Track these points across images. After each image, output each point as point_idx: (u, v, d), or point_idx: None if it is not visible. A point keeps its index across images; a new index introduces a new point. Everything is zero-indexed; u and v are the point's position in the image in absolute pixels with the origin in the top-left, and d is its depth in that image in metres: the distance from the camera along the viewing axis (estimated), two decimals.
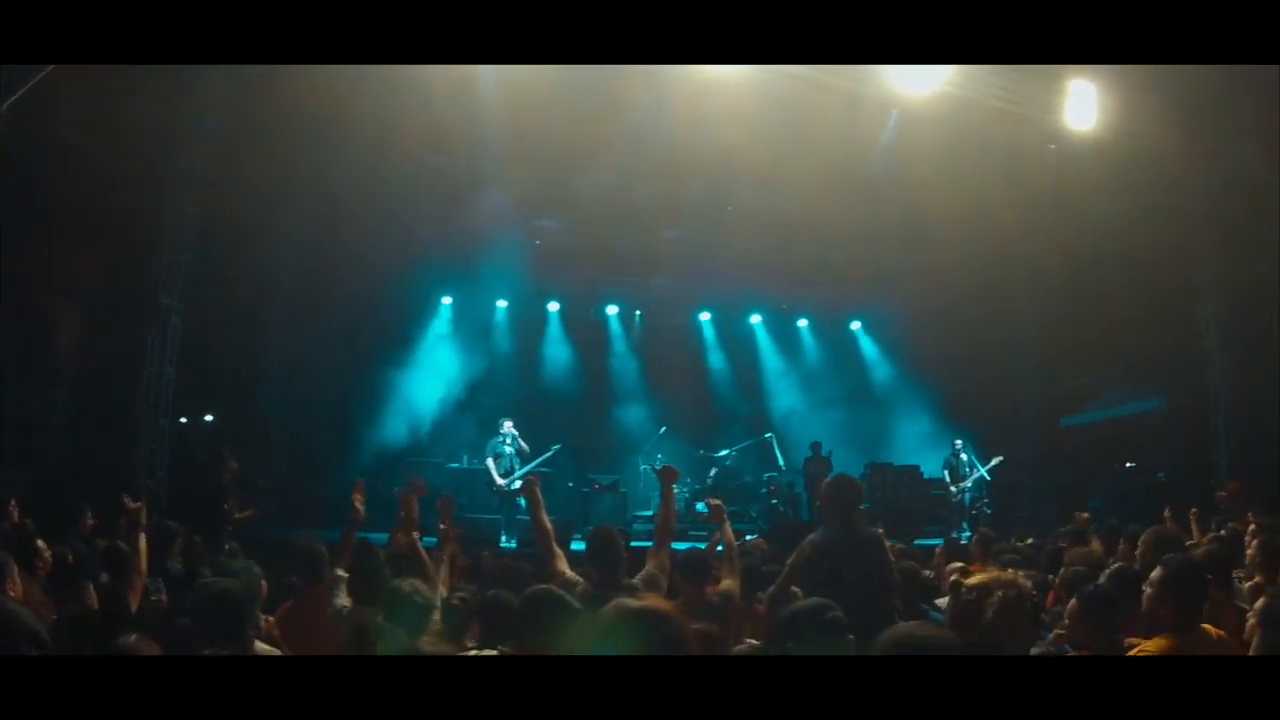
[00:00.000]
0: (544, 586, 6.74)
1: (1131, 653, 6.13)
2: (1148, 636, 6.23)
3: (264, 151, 20.07)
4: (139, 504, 9.51)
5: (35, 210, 16.61)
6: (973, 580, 5.74)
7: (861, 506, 9.56)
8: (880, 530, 9.39)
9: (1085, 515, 13.84)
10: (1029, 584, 5.48)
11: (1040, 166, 21.79)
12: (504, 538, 21.05)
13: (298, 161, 20.97)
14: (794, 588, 8.92)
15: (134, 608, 8.16)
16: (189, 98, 18.11)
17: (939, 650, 4.25)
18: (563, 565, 8.70)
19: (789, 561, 9.13)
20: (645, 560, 8.96)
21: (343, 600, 8.17)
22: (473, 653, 6.33)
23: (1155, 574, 6.47)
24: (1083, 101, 19.66)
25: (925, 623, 4.58)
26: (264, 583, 8.88)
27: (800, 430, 28.70)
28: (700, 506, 23.02)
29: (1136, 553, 8.91)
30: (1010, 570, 6.28)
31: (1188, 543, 10.07)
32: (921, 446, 28.28)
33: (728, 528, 9.62)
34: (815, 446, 27.04)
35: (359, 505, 9.46)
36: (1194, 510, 12.81)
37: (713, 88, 18.45)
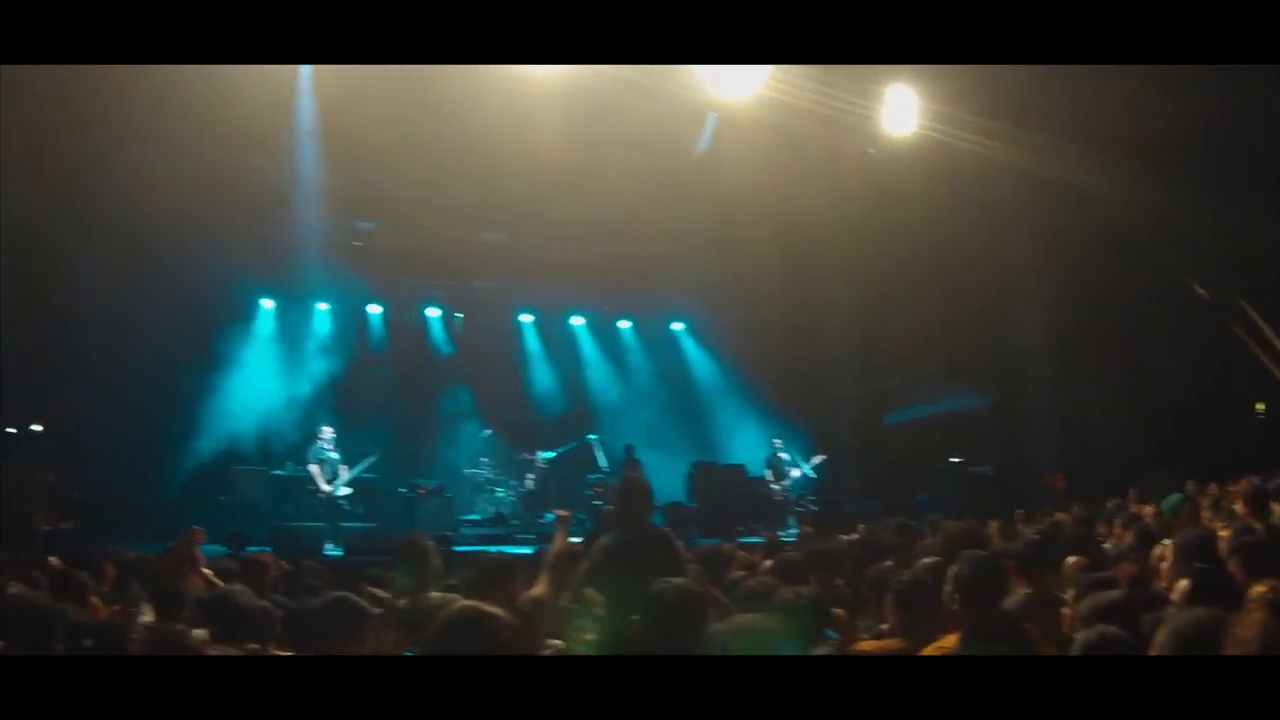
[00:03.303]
0: (341, 593, 6.70)
1: (927, 650, 6.22)
2: (947, 632, 6.34)
3: (78, 146, 19.77)
4: None
5: None
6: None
7: (652, 505, 9.66)
8: (668, 530, 9.47)
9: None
10: None
11: (859, 169, 22.08)
12: (329, 545, 20.77)
13: (113, 157, 20.66)
14: (588, 590, 9.14)
15: None
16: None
17: None
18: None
19: (581, 565, 9.27)
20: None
21: (146, 616, 8.06)
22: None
23: (951, 570, 6.58)
24: (901, 105, 19.94)
25: None
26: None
27: (624, 432, 28.73)
28: (549, 516, 23.08)
29: (928, 544, 9.05)
30: None
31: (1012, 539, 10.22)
32: (747, 446, 28.49)
33: (560, 537, 9.69)
34: (629, 450, 27.09)
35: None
36: (1020, 511, 13.03)
37: (530, 89, 18.48)
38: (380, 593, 8.87)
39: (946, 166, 21.05)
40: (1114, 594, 6.40)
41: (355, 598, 6.57)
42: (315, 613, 6.49)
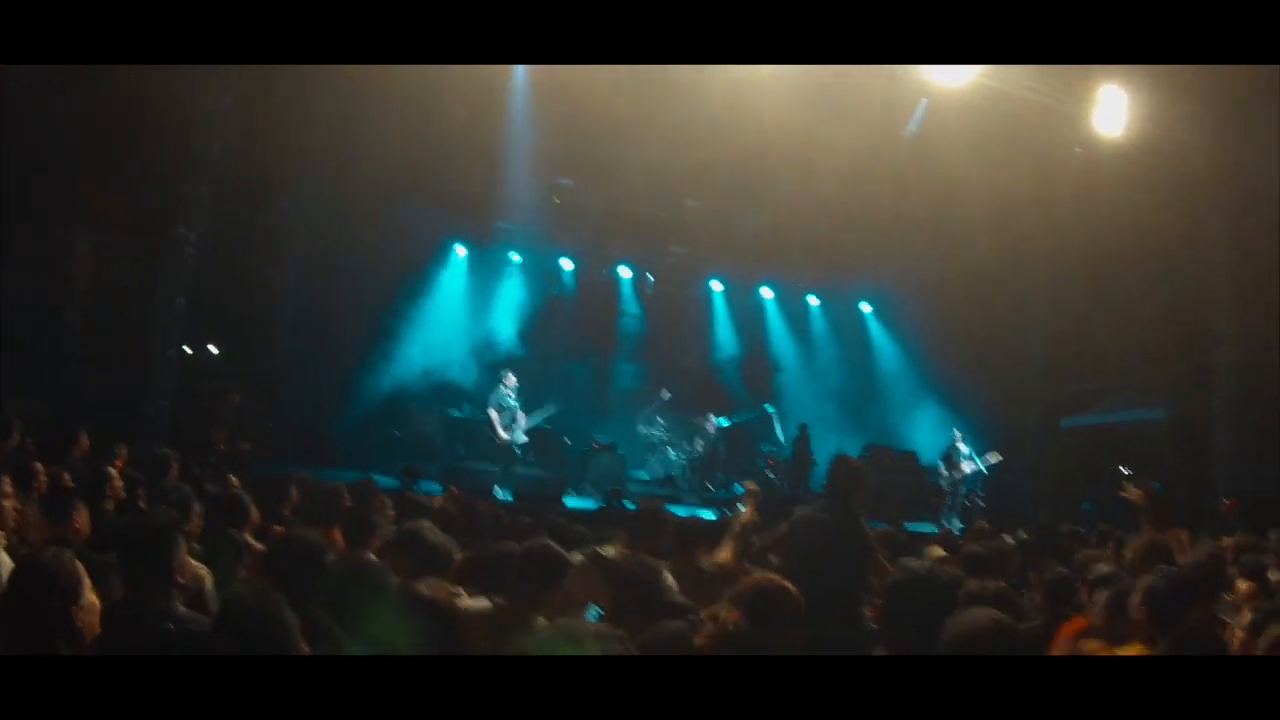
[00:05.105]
0: (544, 541, 6.81)
1: (1093, 649, 6.23)
2: (1123, 641, 6.31)
3: (292, 92, 20.12)
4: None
5: (59, 140, 16.64)
6: None
7: (867, 492, 9.67)
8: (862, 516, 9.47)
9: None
10: None
11: (1066, 167, 21.77)
12: (499, 489, 20.99)
13: (324, 102, 21.02)
14: (771, 556, 9.47)
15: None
16: None
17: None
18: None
19: (773, 531, 9.64)
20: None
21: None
22: (466, 602, 6.38)
23: (1142, 582, 6.52)
24: (1113, 105, 19.63)
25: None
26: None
27: (802, 407, 28.72)
28: (739, 488, 23.19)
29: (1128, 558, 8.92)
30: None
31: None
32: (921, 433, 28.40)
33: (750, 508, 9.84)
34: (803, 428, 26.98)
35: None
36: (1179, 532, 12.69)
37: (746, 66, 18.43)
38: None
39: (1154, 171, 20.66)
40: None
41: (556, 546, 6.66)
42: (518, 558, 6.58)
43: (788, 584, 5.49)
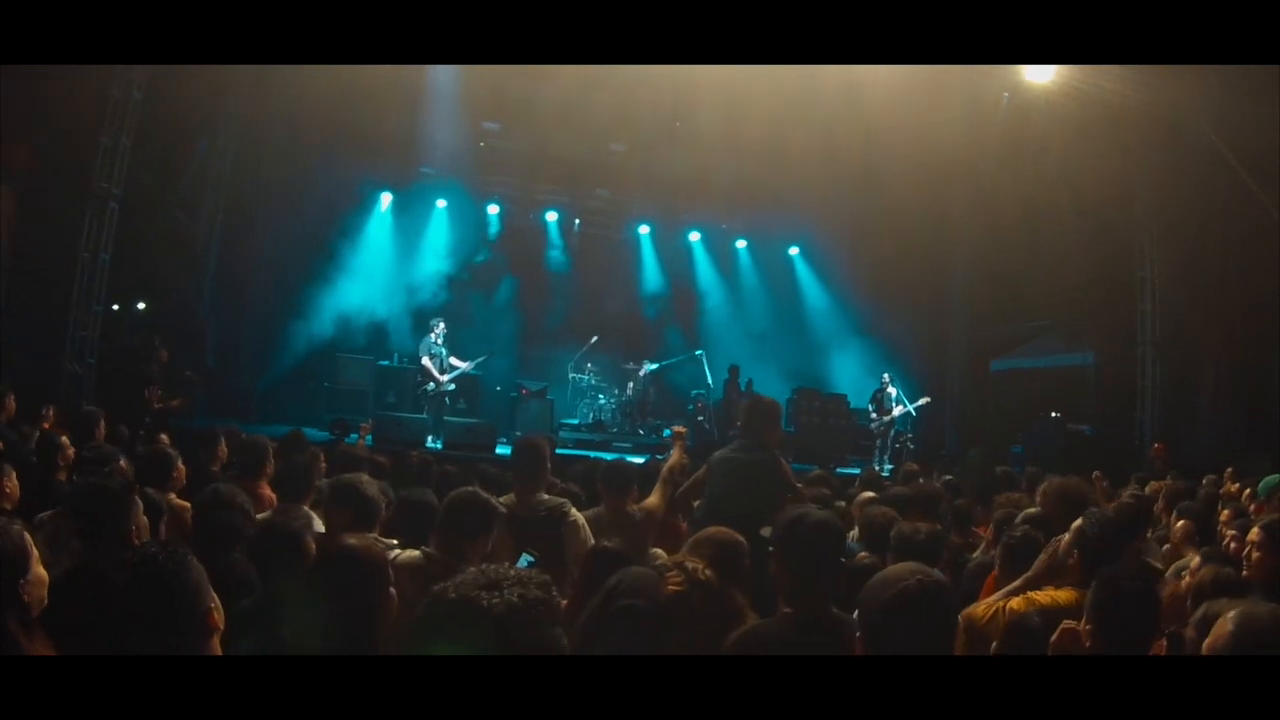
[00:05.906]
0: (473, 489, 6.79)
1: (1037, 594, 6.27)
2: (1055, 586, 6.35)
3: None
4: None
5: None
6: None
7: (782, 429, 9.73)
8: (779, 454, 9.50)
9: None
10: None
11: (994, 113, 21.82)
12: (430, 438, 20.97)
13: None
14: (695, 501, 9.55)
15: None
16: None
17: None
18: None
19: (695, 474, 9.66)
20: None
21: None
22: (395, 553, 6.36)
23: (1074, 525, 6.55)
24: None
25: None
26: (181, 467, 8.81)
27: (730, 350, 28.73)
28: (667, 432, 23.21)
29: (1038, 501, 8.98)
30: None
31: (1108, 501, 10.18)
32: (851, 377, 28.59)
33: (678, 451, 9.92)
34: (733, 370, 27.18)
35: None
36: (1097, 473, 12.81)
37: None
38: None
39: (1083, 119, 20.67)
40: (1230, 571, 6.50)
41: (486, 495, 6.65)
42: (444, 507, 6.58)
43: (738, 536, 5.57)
